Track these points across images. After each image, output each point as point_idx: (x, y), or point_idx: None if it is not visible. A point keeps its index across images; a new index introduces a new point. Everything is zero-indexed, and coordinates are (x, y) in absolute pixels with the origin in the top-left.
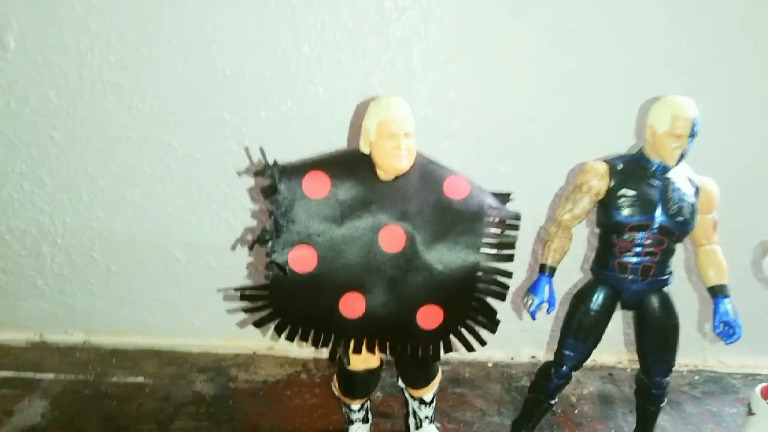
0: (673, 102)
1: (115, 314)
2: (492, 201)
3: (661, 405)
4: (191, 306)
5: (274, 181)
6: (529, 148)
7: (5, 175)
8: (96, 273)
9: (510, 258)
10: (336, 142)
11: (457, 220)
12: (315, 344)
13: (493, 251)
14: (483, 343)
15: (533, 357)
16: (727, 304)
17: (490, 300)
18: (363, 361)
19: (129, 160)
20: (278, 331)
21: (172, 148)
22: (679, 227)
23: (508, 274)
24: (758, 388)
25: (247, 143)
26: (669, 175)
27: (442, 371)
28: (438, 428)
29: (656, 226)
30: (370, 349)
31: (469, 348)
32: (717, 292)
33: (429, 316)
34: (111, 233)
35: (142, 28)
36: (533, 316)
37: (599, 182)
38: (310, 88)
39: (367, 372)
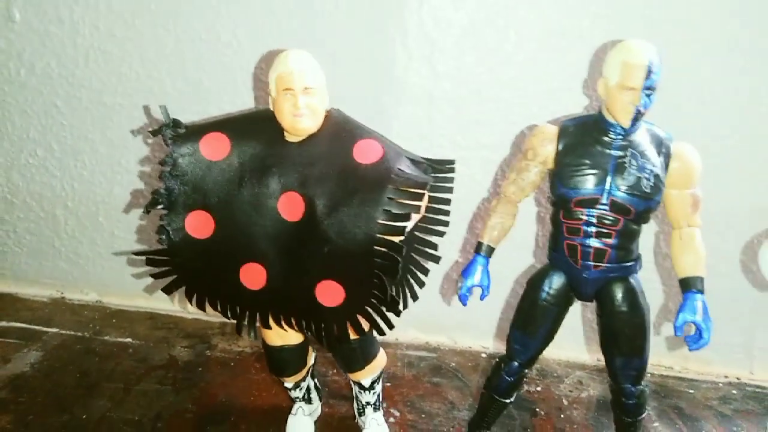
0: (625, 46)
1: (121, 277)
2: (405, 167)
3: (639, 418)
4: None
5: (167, 142)
6: None
7: (22, 141)
8: (102, 237)
9: (400, 231)
10: None
11: (360, 187)
12: (224, 314)
13: (390, 223)
14: (390, 326)
15: None
16: (697, 302)
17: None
18: (279, 336)
19: (122, 126)
20: (188, 297)
21: (158, 112)
22: (636, 203)
23: (399, 249)
24: None
25: (227, 109)
26: (631, 139)
27: (430, 358)
28: (383, 416)
29: (606, 201)
30: (275, 324)
31: (380, 332)
32: (689, 286)
33: (329, 293)
34: (111, 198)
35: None
36: (462, 300)
37: (546, 148)
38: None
39: (287, 348)
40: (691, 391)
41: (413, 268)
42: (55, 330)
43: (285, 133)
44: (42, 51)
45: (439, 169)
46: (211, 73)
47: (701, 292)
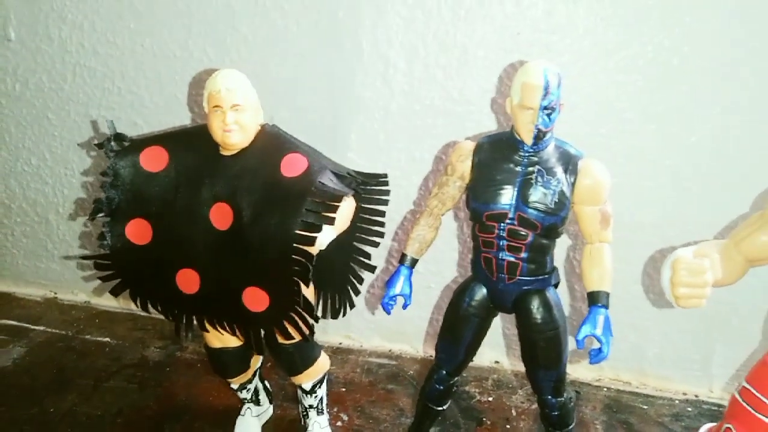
0: (525, 67)
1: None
2: (327, 180)
3: (565, 430)
4: None
5: (108, 154)
6: None
7: (18, 150)
8: (90, 241)
9: (311, 240)
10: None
11: (282, 198)
12: (165, 316)
13: (305, 233)
14: (311, 331)
15: (497, 362)
16: (599, 316)
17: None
18: (218, 339)
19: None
20: (132, 299)
21: (138, 125)
22: (542, 219)
23: (310, 257)
24: (703, 429)
25: (198, 121)
26: (539, 156)
27: (390, 365)
28: (329, 420)
29: (514, 216)
30: (210, 327)
31: (305, 338)
32: (594, 300)
33: (255, 299)
34: None
35: (106, 15)
36: (385, 309)
37: (464, 164)
38: (249, 67)
39: (226, 351)
40: (645, 407)
41: (351, 277)
42: (41, 328)
43: (220, 147)
44: (34, 67)
45: (368, 182)
46: (184, 87)
47: (605, 306)
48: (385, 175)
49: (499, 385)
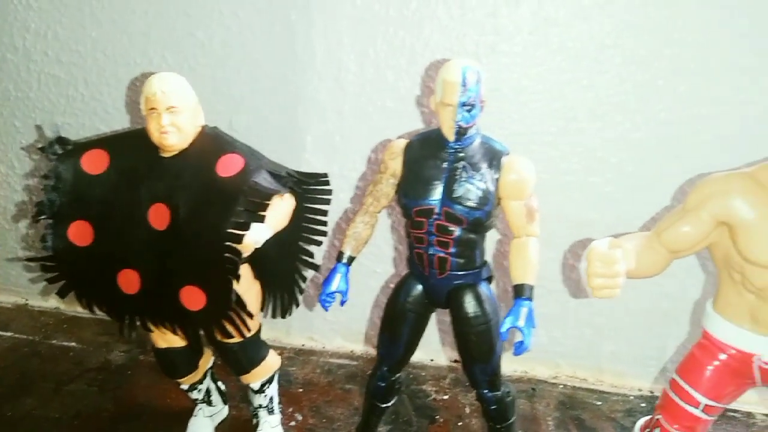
0: (445, 65)
1: None
2: (261, 179)
3: (505, 424)
4: None
5: (50, 158)
6: None
7: None
8: None
9: (237, 239)
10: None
11: (217, 197)
12: (109, 316)
13: (235, 231)
14: (248, 330)
15: (456, 361)
16: (522, 308)
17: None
18: (162, 339)
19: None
20: (77, 300)
21: (101, 131)
22: (467, 213)
23: (238, 254)
24: (639, 424)
25: None
26: (465, 152)
27: (349, 366)
28: (280, 419)
29: (440, 211)
30: (153, 326)
31: (243, 336)
32: (518, 292)
33: (192, 297)
34: None
35: (69, 24)
36: (323, 305)
37: (395, 161)
38: (208, 71)
39: (172, 351)
40: (599, 403)
41: (296, 276)
42: (9, 334)
43: (159, 149)
44: (1, 76)
45: (307, 182)
46: None
47: (529, 299)
48: (325, 175)
49: (456, 384)
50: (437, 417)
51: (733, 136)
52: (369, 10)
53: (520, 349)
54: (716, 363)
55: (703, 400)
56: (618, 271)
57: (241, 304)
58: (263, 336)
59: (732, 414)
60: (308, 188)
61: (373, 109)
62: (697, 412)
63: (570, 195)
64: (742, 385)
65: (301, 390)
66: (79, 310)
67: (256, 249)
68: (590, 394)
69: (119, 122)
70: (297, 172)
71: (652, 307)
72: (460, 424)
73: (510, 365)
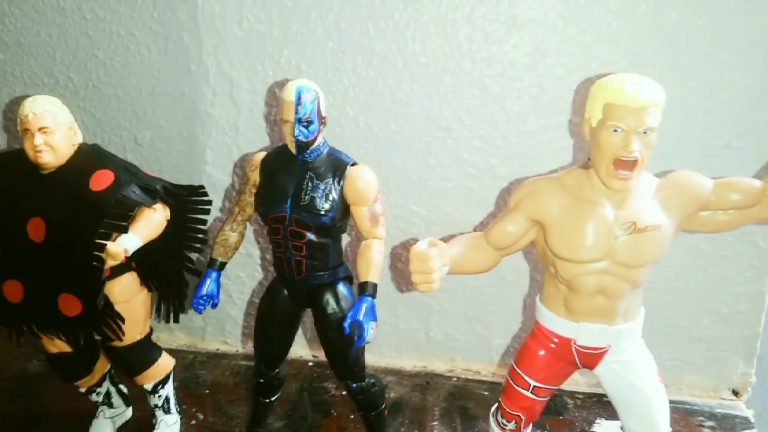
0: (285, 86)
1: None
2: (130, 192)
3: (373, 413)
4: None
5: None
6: None
7: None
8: None
9: (101, 248)
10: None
11: (88, 210)
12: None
13: (100, 241)
14: (118, 336)
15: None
16: (363, 304)
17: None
18: (52, 344)
19: None
20: None
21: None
22: (313, 219)
23: (100, 261)
24: (492, 409)
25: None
26: (313, 163)
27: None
28: (179, 418)
29: (291, 218)
30: (35, 334)
31: (118, 338)
32: (361, 290)
33: (69, 304)
34: None
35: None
36: (196, 309)
37: (254, 173)
38: (110, 90)
39: (62, 356)
40: (487, 393)
41: (180, 282)
42: None
43: (38, 167)
44: None
45: (181, 194)
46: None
47: (371, 295)
48: (202, 187)
49: None
50: (332, 411)
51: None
52: (254, 31)
53: (359, 340)
54: (544, 349)
55: (532, 383)
56: (432, 267)
57: (110, 308)
58: (180, 341)
59: (608, 399)
60: (187, 199)
61: (267, 123)
62: (528, 393)
63: (453, 200)
64: (566, 368)
65: (207, 391)
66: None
67: (144, 256)
68: (480, 385)
69: (102, 128)
70: (172, 185)
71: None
72: (352, 416)
73: (410, 361)
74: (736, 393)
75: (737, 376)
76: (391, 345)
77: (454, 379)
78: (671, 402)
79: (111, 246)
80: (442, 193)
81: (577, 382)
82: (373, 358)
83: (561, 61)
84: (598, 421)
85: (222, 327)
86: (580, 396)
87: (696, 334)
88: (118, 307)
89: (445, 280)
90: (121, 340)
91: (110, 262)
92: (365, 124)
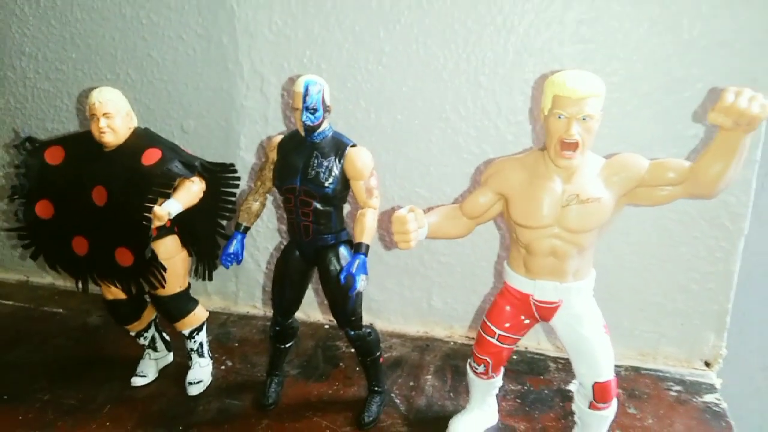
0: (297, 80)
1: None
2: (174, 167)
3: (370, 357)
4: None
5: (21, 153)
6: None
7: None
8: None
9: (146, 209)
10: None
11: (141, 181)
12: (69, 275)
13: (147, 204)
14: (161, 284)
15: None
16: (356, 260)
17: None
18: (109, 292)
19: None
20: (47, 263)
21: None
22: (318, 190)
23: (148, 221)
24: (468, 360)
25: None
26: (319, 145)
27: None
28: (211, 362)
29: (300, 189)
30: (96, 283)
31: (161, 285)
32: (356, 249)
33: (124, 256)
34: None
35: (54, 48)
36: (224, 264)
37: (272, 152)
38: (162, 85)
39: (117, 302)
40: None
41: (213, 246)
42: (11, 302)
43: (102, 145)
44: (2, 90)
45: (215, 170)
46: None
47: (363, 253)
48: (233, 165)
49: None
50: (341, 364)
51: None
52: (282, 34)
53: (352, 290)
54: (510, 305)
55: (498, 331)
56: (408, 228)
57: (155, 260)
58: (216, 304)
59: None
60: (220, 175)
61: (290, 113)
62: (494, 341)
63: (448, 182)
64: (527, 320)
65: (236, 345)
66: (68, 284)
67: (184, 222)
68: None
69: None
70: (209, 162)
71: None
72: (357, 369)
73: (413, 327)
74: (708, 364)
75: (708, 348)
76: (398, 312)
77: (452, 343)
78: (647, 370)
79: (157, 209)
80: (442, 176)
81: (561, 349)
82: (381, 324)
83: (543, 60)
84: (574, 381)
85: (252, 293)
86: (562, 361)
87: (670, 308)
88: (162, 263)
89: (445, 255)
90: (163, 287)
91: (156, 222)
92: (376, 115)
